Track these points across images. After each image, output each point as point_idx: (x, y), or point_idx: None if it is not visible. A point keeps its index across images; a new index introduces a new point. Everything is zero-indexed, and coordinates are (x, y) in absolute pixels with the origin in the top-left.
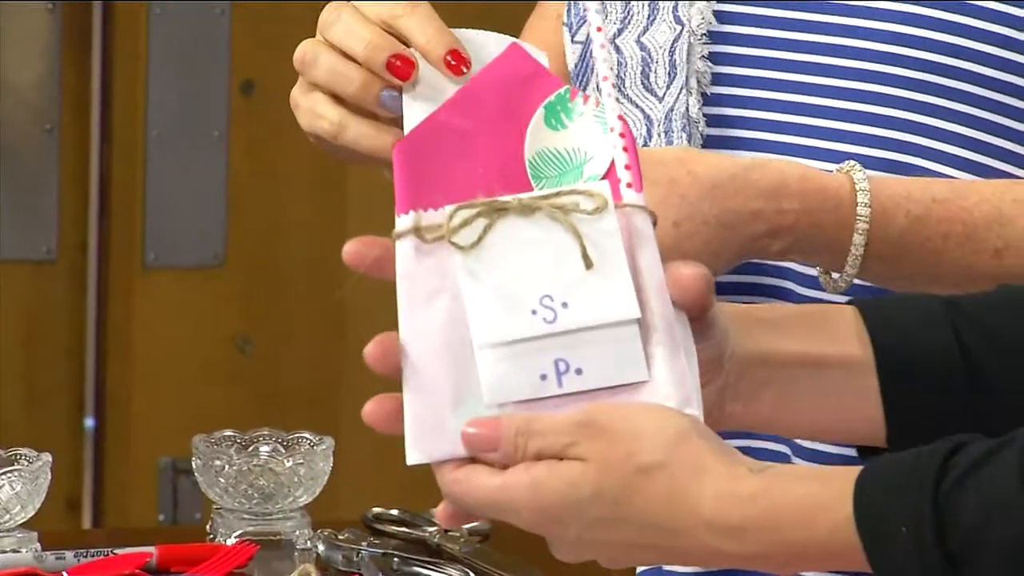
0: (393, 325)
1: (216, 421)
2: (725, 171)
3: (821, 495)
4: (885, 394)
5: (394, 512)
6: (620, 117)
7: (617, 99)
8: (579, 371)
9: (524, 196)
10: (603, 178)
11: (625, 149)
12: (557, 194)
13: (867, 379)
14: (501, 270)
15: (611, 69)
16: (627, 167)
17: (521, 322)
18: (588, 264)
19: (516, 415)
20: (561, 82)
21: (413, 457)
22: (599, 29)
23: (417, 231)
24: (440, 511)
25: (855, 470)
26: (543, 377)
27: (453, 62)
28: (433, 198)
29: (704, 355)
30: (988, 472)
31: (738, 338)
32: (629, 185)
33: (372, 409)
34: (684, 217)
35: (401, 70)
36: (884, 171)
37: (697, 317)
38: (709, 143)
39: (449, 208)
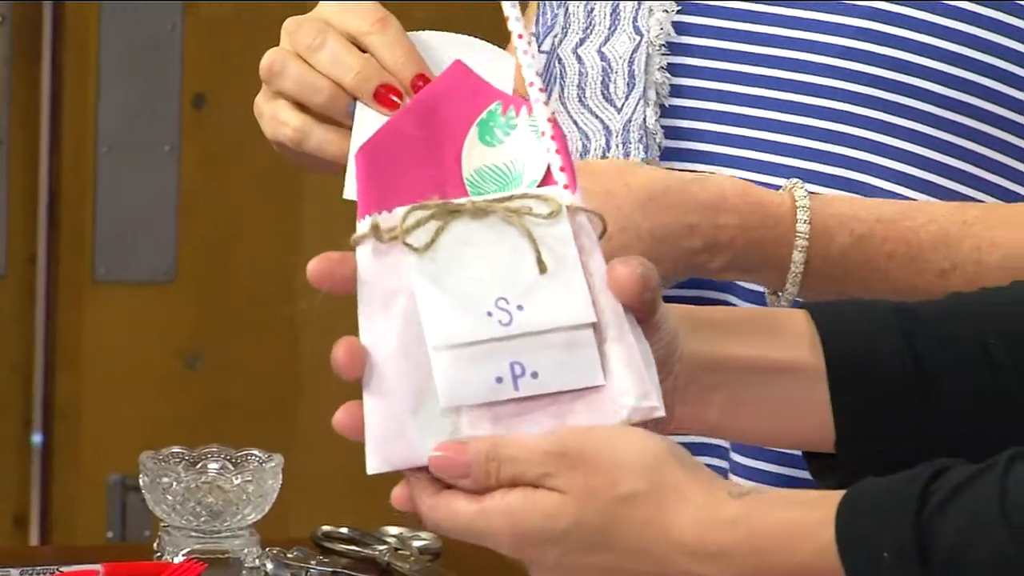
0: (351, 331)
1: (166, 437)
2: (660, 183)
3: (804, 520)
4: (835, 401)
5: (344, 530)
6: (551, 120)
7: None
8: (535, 375)
9: (478, 199)
10: (541, 183)
11: (558, 151)
12: (510, 198)
13: (817, 385)
14: (455, 272)
15: (537, 74)
16: (561, 169)
17: (476, 324)
18: (542, 269)
19: (483, 439)
20: (498, 97)
21: (373, 464)
22: (520, 36)
23: (375, 231)
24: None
25: (837, 494)
26: (499, 380)
27: (420, 85)
28: (391, 201)
29: (654, 356)
30: (969, 496)
31: (687, 340)
32: (566, 187)
33: (342, 417)
34: (617, 229)
35: (390, 101)
36: (836, 188)
37: (642, 318)
38: (667, 155)
39: (402, 209)
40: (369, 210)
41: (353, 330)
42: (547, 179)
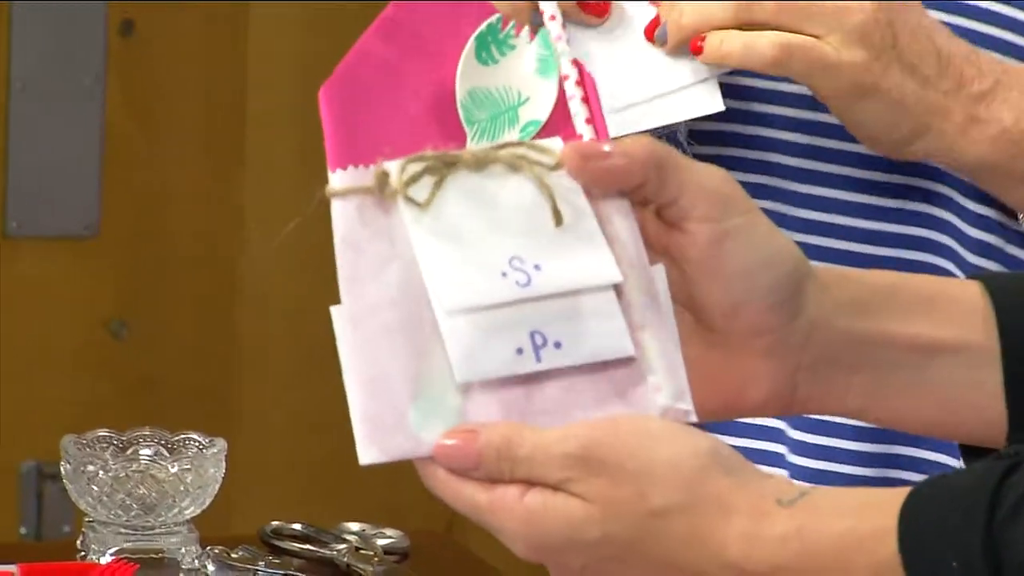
0: (294, 306)
1: (88, 419)
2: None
3: (859, 532)
4: (1010, 389)
5: (296, 527)
6: (575, 62)
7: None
8: (558, 344)
9: (477, 148)
10: (549, 128)
11: (585, 100)
12: (507, 145)
13: (988, 370)
14: (460, 229)
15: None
16: (588, 121)
17: (492, 285)
18: (558, 220)
19: (495, 427)
20: (495, 9)
21: (368, 456)
22: None
23: (380, 180)
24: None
25: (896, 499)
26: (519, 351)
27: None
28: (370, 149)
29: (752, 319)
30: None
31: (825, 308)
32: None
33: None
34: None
35: (597, 7)
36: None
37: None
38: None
39: (399, 161)
40: (347, 159)
41: (303, 300)
42: (554, 125)
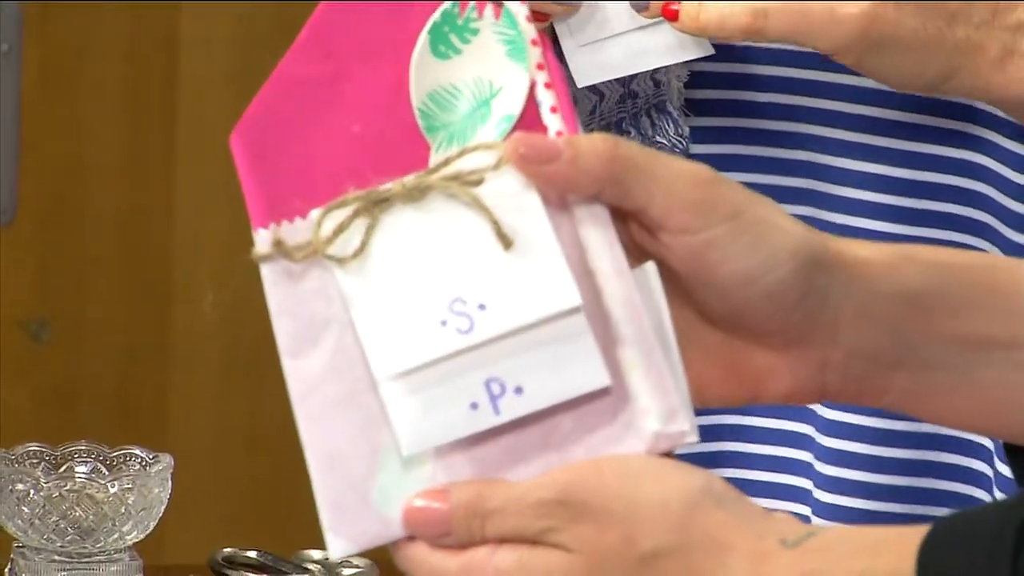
0: (230, 303)
1: (5, 432)
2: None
3: (873, 574)
4: None
5: (251, 554)
6: (536, 42)
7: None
8: (519, 390)
9: (408, 178)
10: (521, 118)
11: (549, 86)
12: (446, 162)
13: None
14: (395, 278)
15: None
16: (553, 110)
17: (429, 339)
18: (505, 244)
19: (465, 485)
20: None
21: (336, 548)
22: None
23: (280, 248)
24: None
25: (914, 539)
26: (473, 406)
27: None
28: (295, 203)
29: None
30: None
31: (858, 299)
32: (559, 134)
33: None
34: None
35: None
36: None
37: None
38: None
39: (315, 213)
40: (266, 216)
41: (243, 294)
42: (526, 119)
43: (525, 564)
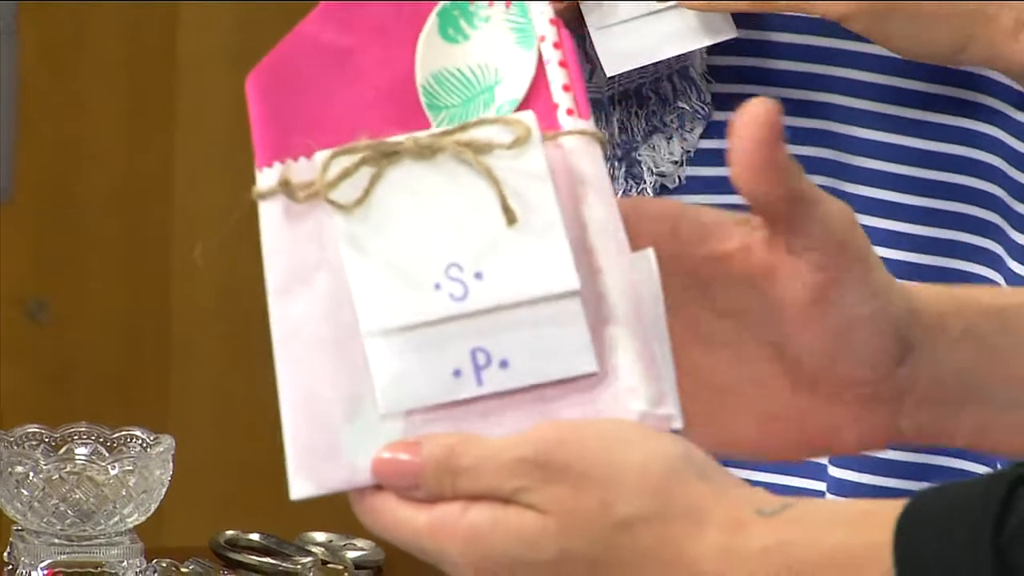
0: (232, 278)
1: (8, 412)
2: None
3: (850, 547)
4: None
5: (254, 536)
6: (554, 21)
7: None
8: (504, 363)
9: (422, 135)
10: (523, 102)
11: (563, 64)
12: (463, 128)
13: None
14: (394, 233)
15: None
16: (566, 88)
17: (421, 300)
18: (510, 219)
19: (438, 438)
20: None
21: (300, 489)
22: None
23: (286, 187)
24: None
25: (893, 511)
26: (456, 373)
27: None
28: (304, 142)
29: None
30: None
31: (936, 350)
32: (571, 112)
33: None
34: None
35: None
36: None
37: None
38: None
39: (322, 155)
40: (272, 156)
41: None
42: (535, 98)
43: (498, 522)
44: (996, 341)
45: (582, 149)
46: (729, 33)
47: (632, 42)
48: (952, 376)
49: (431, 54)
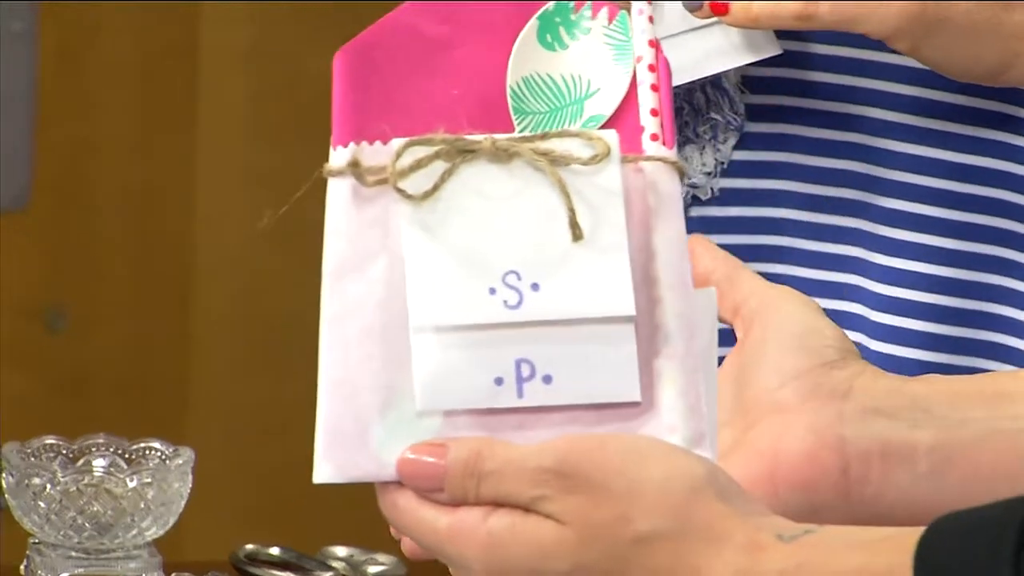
0: (252, 288)
1: (23, 423)
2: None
3: (869, 569)
4: None
5: (274, 551)
6: (653, 43)
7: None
8: (547, 379)
9: (501, 137)
10: (610, 120)
11: (655, 88)
12: (544, 136)
13: None
14: (457, 232)
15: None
16: (654, 112)
17: (474, 303)
18: (576, 235)
19: (465, 441)
20: None
21: (323, 473)
22: None
23: (355, 168)
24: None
25: (913, 534)
26: (498, 381)
27: None
28: (382, 127)
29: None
30: None
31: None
32: (655, 137)
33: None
34: None
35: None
36: None
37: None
38: None
39: (398, 142)
40: (349, 136)
41: (265, 278)
42: (622, 118)
43: (517, 530)
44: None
45: (661, 177)
46: (773, 50)
47: (675, 58)
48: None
49: (526, 57)
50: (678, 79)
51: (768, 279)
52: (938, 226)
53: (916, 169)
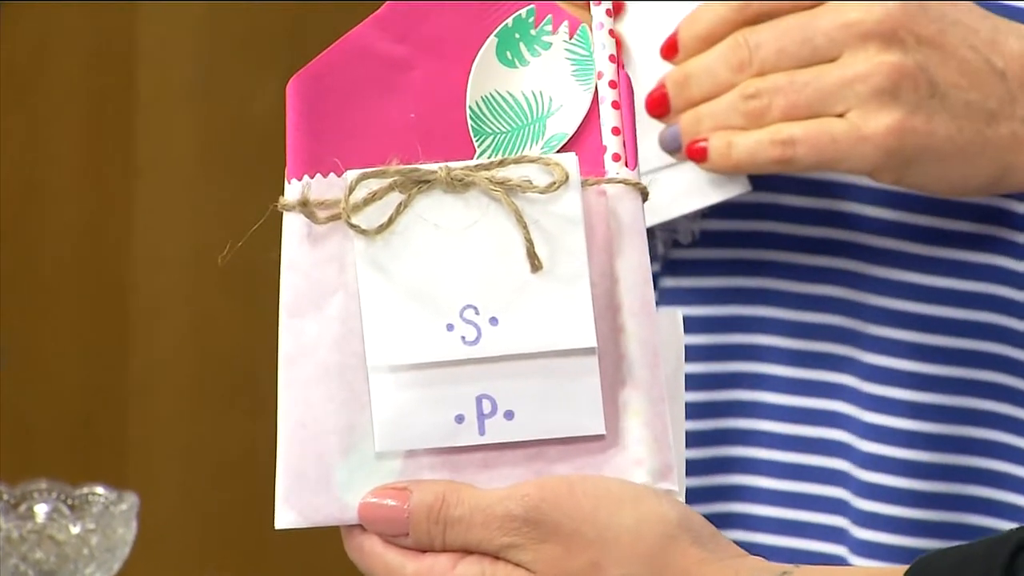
0: (195, 328)
1: None
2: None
3: None
4: None
5: None
6: (614, 58)
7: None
8: (509, 414)
9: (456, 165)
10: (572, 139)
11: (616, 105)
12: (501, 163)
13: None
14: (413, 266)
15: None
16: (615, 131)
17: (431, 340)
18: (535, 266)
19: (429, 485)
20: (531, 1)
21: (285, 519)
22: None
23: (304, 207)
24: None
25: (895, 572)
26: (459, 419)
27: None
28: (336, 158)
29: None
30: None
31: None
32: (616, 157)
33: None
34: None
35: None
36: None
37: None
38: None
39: (351, 175)
40: (302, 168)
41: (207, 318)
42: (583, 137)
43: None
44: None
45: (623, 199)
46: (742, 188)
47: (651, 195)
48: None
49: (486, 75)
50: (652, 220)
51: (746, 404)
52: (926, 353)
53: (903, 295)
